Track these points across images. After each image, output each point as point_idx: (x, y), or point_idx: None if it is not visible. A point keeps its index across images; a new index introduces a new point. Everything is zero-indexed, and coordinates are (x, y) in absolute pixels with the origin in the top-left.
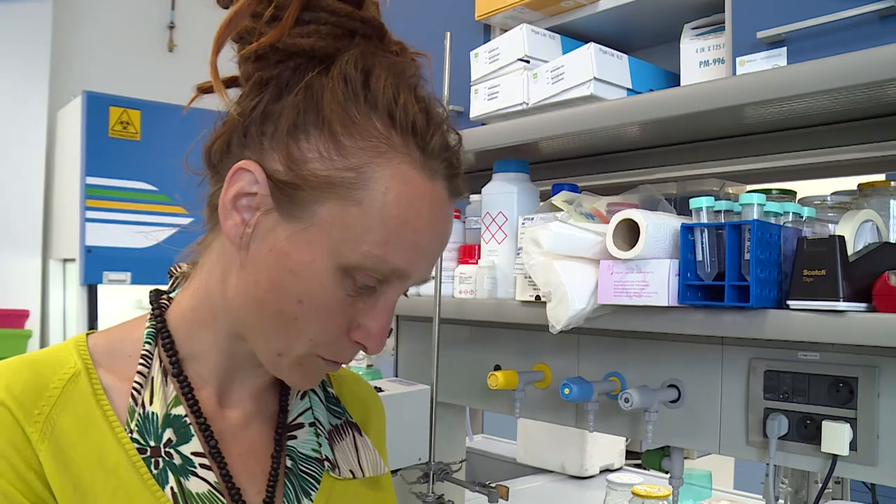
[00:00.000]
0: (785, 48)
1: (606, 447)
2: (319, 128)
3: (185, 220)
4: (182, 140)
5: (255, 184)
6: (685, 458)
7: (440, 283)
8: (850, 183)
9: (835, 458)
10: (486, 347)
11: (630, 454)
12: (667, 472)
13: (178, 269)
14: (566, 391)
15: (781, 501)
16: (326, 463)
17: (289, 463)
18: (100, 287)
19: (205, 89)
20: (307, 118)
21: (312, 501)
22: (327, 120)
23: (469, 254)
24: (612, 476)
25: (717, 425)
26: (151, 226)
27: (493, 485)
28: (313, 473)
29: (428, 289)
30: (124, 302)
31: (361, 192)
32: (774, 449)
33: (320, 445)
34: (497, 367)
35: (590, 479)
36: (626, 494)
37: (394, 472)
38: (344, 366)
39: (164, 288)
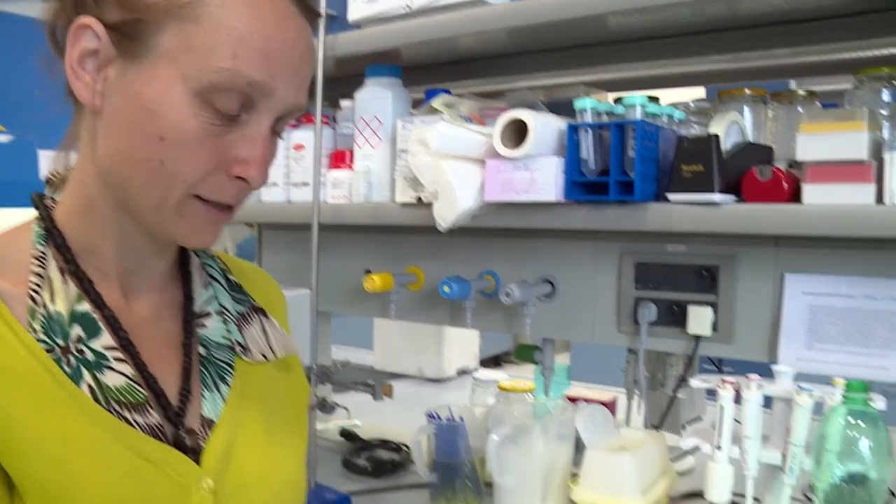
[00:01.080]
0: None
1: (462, 350)
2: None
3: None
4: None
5: (95, 39)
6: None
7: (318, 185)
8: (699, 92)
9: (698, 338)
10: (356, 253)
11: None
12: (537, 364)
13: (56, 175)
14: (446, 289)
15: (640, 388)
16: (238, 348)
17: (202, 350)
18: None
19: None
20: None
21: (229, 387)
22: None
23: (341, 159)
24: (477, 374)
25: (591, 316)
26: None
27: (377, 383)
28: (226, 360)
29: (296, 195)
30: None
31: (197, 9)
32: (645, 334)
33: (229, 332)
34: (368, 272)
35: (447, 381)
36: (492, 390)
37: None
38: (244, 261)
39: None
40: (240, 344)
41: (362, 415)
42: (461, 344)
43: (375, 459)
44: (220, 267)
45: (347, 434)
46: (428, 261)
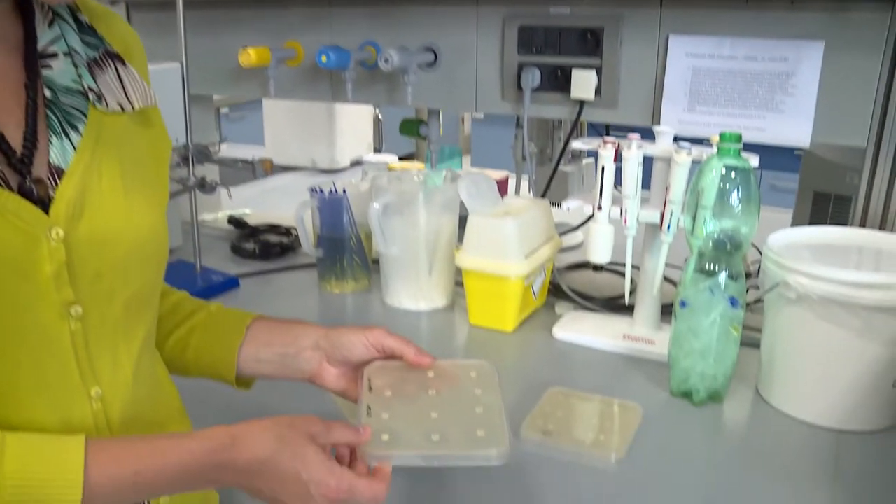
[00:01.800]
0: None
1: (355, 140)
2: None
3: None
4: None
5: None
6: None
7: None
8: None
9: (582, 103)
10: (231, 31)
11: None
12: (424, 138)
13: None
14: (323, 59)
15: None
16: (91, 94)
17: (47, 94)
18: None
19: None
20: None
21: (81, 135)
22: None
23: None
24: (367, 157)
25: (474, 85)
26: None
27: (257, 159)
28: (77, 106)
29: None
30: None
31: None
32: (528, 100)
33: (80, 77)
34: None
35: (341, 171)
36: (383, 171)
37: None
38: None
39: None
40: (93, 90)
41: (252, 205)
42: (354, 133)
43: (263, 242)
44: (67, 4)
45: (236, 221)
46: (307, 34)
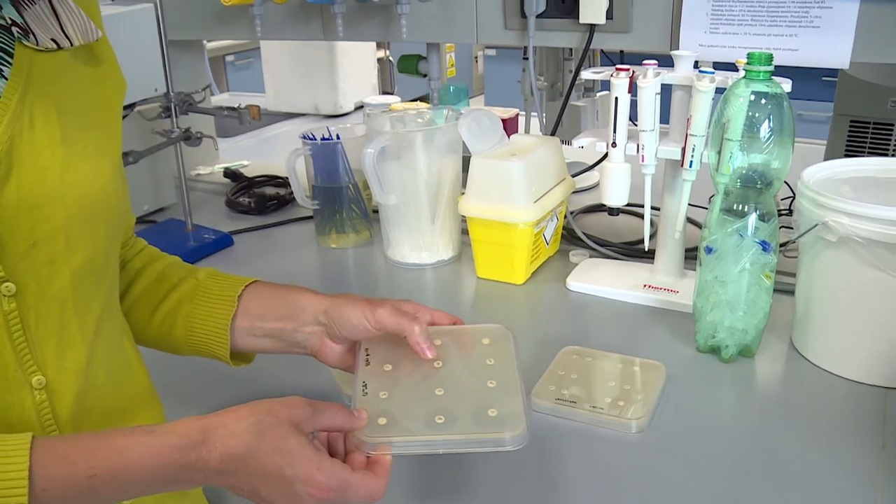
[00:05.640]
0: None
1: (359, 83)
2: None
3: None
4: None
5: None
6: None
7: None
8: None
9: (592, 28)
10: None
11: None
12: (424, 76)
13: None
14: None
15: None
16: (15, 30)
17: None
18: None
19: None
20: None
21: (6, 79)
22: None
23: None
24: (368, 99)
25: (473, 13)
26: None
27: (243, 106)
28: (0, 45)
29: None
30: None
31: None
32: (533, 28)
33: (0, 8)
34: None
35: (345, 116)
36: (386, 112)
37: (129, 107)
38: None
39: None
40: (17, 24)
41: (251, 156)
42: (357, 75)
43: (259, 196)
44: None
45: (232, 174)
46: None
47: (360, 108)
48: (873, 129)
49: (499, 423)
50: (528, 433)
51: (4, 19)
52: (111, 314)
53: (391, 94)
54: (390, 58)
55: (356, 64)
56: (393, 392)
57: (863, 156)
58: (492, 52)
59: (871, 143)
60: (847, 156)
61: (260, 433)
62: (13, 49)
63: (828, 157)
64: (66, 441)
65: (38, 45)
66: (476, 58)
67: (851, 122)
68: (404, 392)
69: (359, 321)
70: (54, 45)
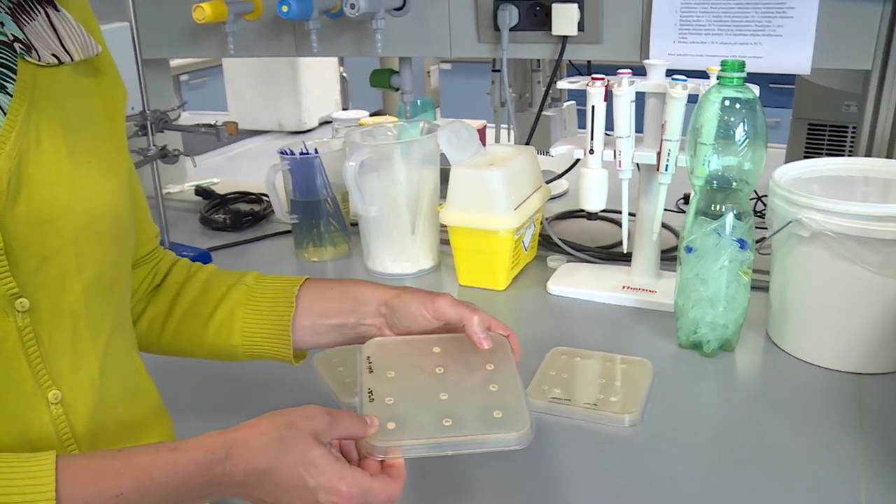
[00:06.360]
0: None
1: (322, 98)
2: None
3: None
4: None
5: None
6: None
7: None
8: None
9: (564, 40)
10: None
11: None
12: (397, 90)
13: None
14: (284, 9)
15: (507, 103)
16: (18, 46)
17: None
18: None
19: None
20: None
21: (11, 95)
22: None
23: None
24: (336, 114)
25: (447, 27)
26: None
27: (221, 123)
28: (2, 61)
29: None
30: None
31: None
32: (507, 40)
33: (2, 24)
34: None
35: (310, 132)
36: (357, 127)
37: None
38: None
39: None
40: (19, 40)
41: (219, 174)
42: (320, 91)
43: (234, 212)
44: None
45: (203, 192)
46: None
47: (324, 123)
48: (830, 131)
49: (505, 424)
50: (532, 432)
51: (6, 35)
52: (122, 328)
53: (346, 109)
54: (344, 74)
55: (319, 80)
56: (399, 398)
57: (821, 156)
58: (447, 66)
59: (828, 144)
60: (807, 157)
61: (282, 447)
62: (16, 65)
63: (789, 160)
64: (89, 459)
65: (40, 60)
66: (429, 72)
67: (809, 125)
68: (410, 397)
69: (419, 311)
70: (55, 61)
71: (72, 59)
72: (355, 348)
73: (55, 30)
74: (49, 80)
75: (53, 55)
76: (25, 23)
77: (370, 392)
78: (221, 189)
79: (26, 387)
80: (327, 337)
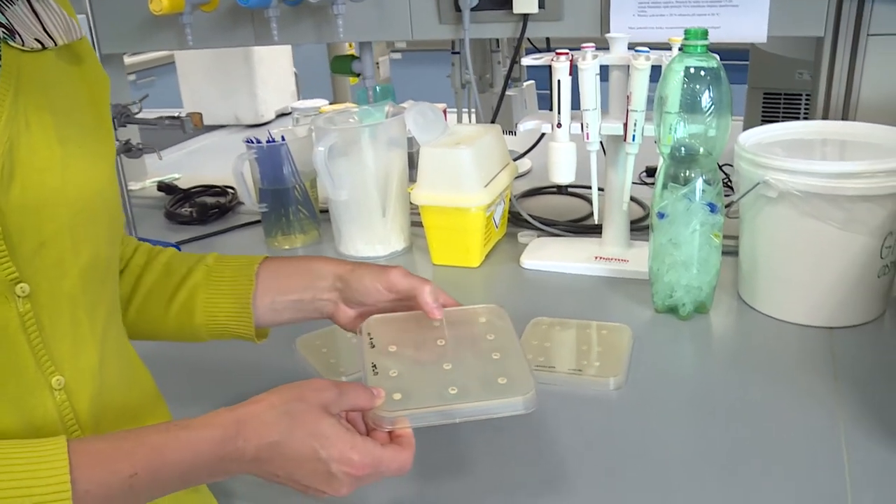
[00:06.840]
0: None
1: (278, 90)
2: None
3: None
4: None
5: None
6: None
7: None
8: None
9: (525, 17)
10: None
11: None
12: (358, 75)
13: None
14: None
15: (469, 84)
16: (0, 30)
17: None
18: None
19: None
20: None
21: None
22: None
23: None
24: (295, 104)
25: (407, 10)
26: None
27: (185, 114)
28: None
29: None
30: None
31: None
32: (468, 20)
33: None
34: None
35: (267, 124)
36: (317, 116)
37: None
38: None
39: None
40: (2, 25)
41: (180, 169)
42: (276, 83)
43: (200, 205)
44: None
45: (166, 187)
46: None
47: (281, 115)
48: (784, 98)
49: (510, 390)
50: (537, 397)
51: None
52: (115, 315)
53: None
54: (295, 70)
55: (274, 71)
56: (402, 370)
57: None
58: (397, 56)
59: (783, 111)
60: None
61: (292, 420)
62: (0, 50)
63: (747, 128)
64: (101, 442)
65: (23, 45)
66: (378, 63)
67: (765, 94)
68: (414, 369)
69: (372, 284)
70: (39, 45)
71: (55, 44)
72: (339, 330)
73: (36, 14)
74: (33, 66)
75: (37, 40)
76: (6, 6)
77: (374, 366)
78: (184, 184)
79: (29, 373)
80: (286, 314)
